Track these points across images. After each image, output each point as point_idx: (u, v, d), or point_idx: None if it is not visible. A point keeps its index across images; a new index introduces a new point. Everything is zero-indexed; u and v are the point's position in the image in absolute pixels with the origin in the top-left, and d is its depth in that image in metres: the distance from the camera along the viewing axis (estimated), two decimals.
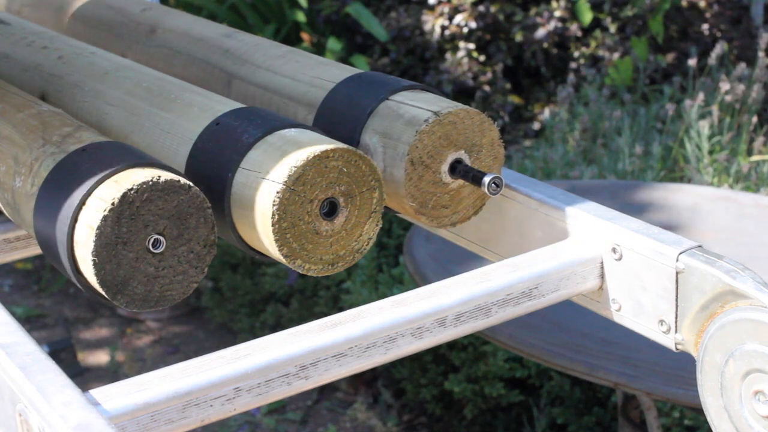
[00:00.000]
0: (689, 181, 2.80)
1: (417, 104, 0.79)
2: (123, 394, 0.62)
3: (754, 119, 3.09)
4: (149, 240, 0.68)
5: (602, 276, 0.79)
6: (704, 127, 2.89)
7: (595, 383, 1.96)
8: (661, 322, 0.76)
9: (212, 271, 2.89)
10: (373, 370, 2.59)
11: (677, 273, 0.74)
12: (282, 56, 0.91)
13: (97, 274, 0.67)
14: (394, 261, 2.63)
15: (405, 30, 3.74)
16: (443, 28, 3.72)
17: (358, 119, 0.81)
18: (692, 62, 3.31)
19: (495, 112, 3.66)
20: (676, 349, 0.76)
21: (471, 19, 3.69)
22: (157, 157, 0.77)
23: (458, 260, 1.76)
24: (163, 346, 2.90)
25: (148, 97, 0.84)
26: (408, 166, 0.77)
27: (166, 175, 0.68)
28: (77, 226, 0.68)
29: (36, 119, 0.79)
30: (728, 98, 3.10)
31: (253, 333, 2.77)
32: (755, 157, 2.89)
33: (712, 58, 3.38)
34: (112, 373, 2.78)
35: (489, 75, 3.69)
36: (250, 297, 2.81)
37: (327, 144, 0.71)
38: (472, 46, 3.71)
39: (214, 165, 0.74)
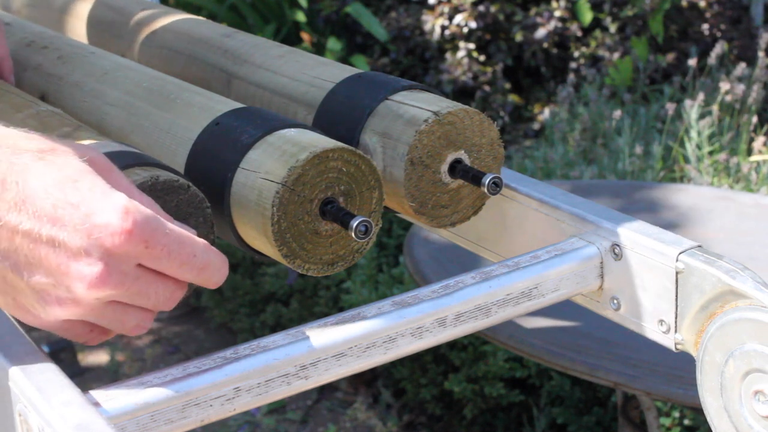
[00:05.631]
0: (689, 181, 2.80)
1: (416, 104, 0.79)
2: (123, 394, 0.62)
3: (754, 119, 3.09)
4: None
5: (602, 276, 0.79)
6: (704, 127, 2.89)
7: (595, 383, 1.96)
8: (661, 322, 0.76)
9: None
10: (373, 370, 2.59)
11: (677, 273, 0.74)
12: (282, 56, 0.91)
13: None
14: (394, 261, 2.62)
15: (405, 30, 3.74)
16: (443, 28, 3.72)
17: (357, 119, 0.81)
18: (692, 62, 3.31)
19: (495, 112, 3.66)
20: (676, 349, 0.76)
21: (471, 19, 3.69)
22: (157, 157, 0.77)
23: (458, 260, 1.76)
24: (163, 346, 2.90)
25: (148, 97, 0.84)
26: (407, 166, 0.77)
27: (165, 175, 0.68)
28: None
29: (35, 120, 0.79)
30: (728, 98, 3.10)
31: (253, 333, 2.77)
32: (755, 157, 2.89)
33: (712, 58, 3.38)
34: (112, 373, 2.78)
35: (489, 75, 3.69)
36: (250, 297, 2.81)
37: (327, 144, 0.71)
38: (472, 46, 3.71)
39: (214, 165, 0.74)
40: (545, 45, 3.75)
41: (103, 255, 0.58)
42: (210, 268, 0.63)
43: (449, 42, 3.74)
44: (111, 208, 0.58)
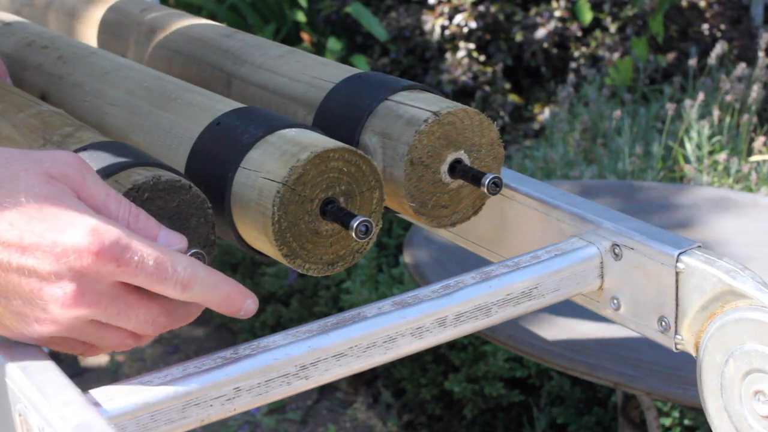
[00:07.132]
0: (689, 181, 2.80)
1: (416, 104, 0.79)
2: (123, 394, 0.62)
3: (754, 119, 3.09)
4: None
5: (602, 276, 0.79)
6: (704, 127, 2.89)
7: (595, 383, 1.96)
8: (661, 322, 0.76)
9: None
10: (373, 370, 2.59)
11: (677, 273, 0.74)
12: (282, 56, 0.91)
13: None
14: (394, 261, 2.63)
15: (405, 30, 3.74)
16: (443, 28, 3.72)
17: (357, 119, 0.81)
18: (692, 62, 3.31)
19: (495, 112, 3.66)
20: (676, 349, 0.76)
21: (471, 19, 3.69)
22: (158, 157, 0.77)
23: (458, 260, 1.76)
24: (163, 346, 2.90)
25: (149, 97, 0.84)
26: (407, 167, 0.77)
27: (166, 175, 0.68)
28: None
29: (36, 119, 0.79)
30: (728, 98, 3.11)
31: (253, 333, 2.77)
32: (755, 157, 2.89)
33: (712, 58, 3.38)
34: (112, 373, 2.78)
35: (489, 75, 3.69)
36: None
37: (328, 144, 0.71)
38: (472, 46, 3.71)
39: (215, 165, 0.74)
40: (545, 45, 3.75)
41: (74, 276, 0.59)
42: (196, 285, 0.61)
43: (449, 42, 3.74)
44: (77, 230, 0.58)
